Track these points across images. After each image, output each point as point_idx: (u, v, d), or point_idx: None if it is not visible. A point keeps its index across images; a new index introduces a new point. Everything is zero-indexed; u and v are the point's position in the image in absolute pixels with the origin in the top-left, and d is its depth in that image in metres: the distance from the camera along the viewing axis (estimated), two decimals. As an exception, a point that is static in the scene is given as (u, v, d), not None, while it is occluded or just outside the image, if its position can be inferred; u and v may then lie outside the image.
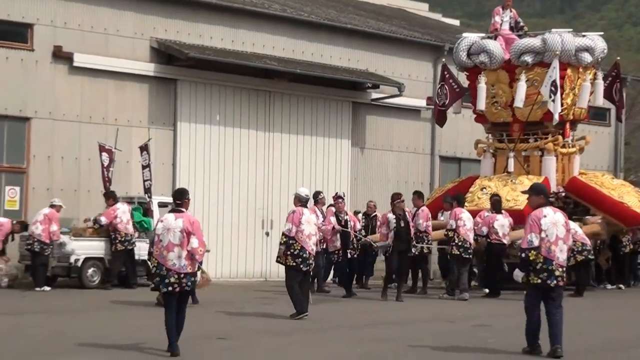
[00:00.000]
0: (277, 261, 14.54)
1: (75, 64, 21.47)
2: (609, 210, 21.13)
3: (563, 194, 21.09)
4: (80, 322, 13.46)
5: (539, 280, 10.32)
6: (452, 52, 23.00)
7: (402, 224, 17.34)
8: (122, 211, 19.19)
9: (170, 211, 10.40)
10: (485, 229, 18.88)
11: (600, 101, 22.62)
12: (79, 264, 18.96)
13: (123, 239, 18.97)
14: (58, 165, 21.34)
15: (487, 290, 19.08)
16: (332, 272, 20.78)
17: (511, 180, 20.82)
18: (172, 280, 10.04)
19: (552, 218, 10.44)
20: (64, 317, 14.16)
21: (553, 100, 20.25)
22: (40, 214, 18.67)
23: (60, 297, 17.36)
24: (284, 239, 14.16)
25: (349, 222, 18.64)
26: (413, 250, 18.08)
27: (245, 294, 18.84)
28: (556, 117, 20.49)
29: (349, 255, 18.52)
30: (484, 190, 20.54)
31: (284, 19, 24.80)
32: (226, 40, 23.82)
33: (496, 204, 18.97)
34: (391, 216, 17.35)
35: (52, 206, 18.85)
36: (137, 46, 22.45)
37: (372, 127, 26.52)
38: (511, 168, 21.49)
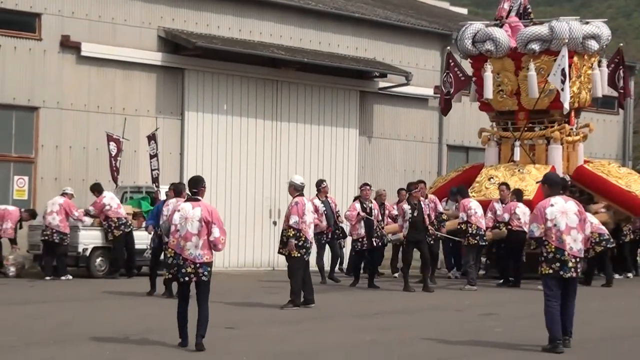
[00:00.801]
0: (280, 252, 14.40)
1: (83, 54, 21.49)
2: (617, 199, 21.05)
3: (569, 183, 21.01)
4: (87, 312, 13.51)
5: (551, 271, 10.07)
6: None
7: (417, 214, 17.06)
8: (110, 197, 19.17)
9: (187, 200, 10.21)
10: (507, 216, 18.67)
11: (605, 89, 22.49)
12: (87, 253, 19.02)
13: (117, 224, 18.93)
14: (66, 155, 21.39)
15: (500, 281, 18.94)
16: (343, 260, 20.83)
17: (519, 170, 20.72)
18: (189, 270, 9.84)
19: (562, 207, 10.13)
20: (72, 306, 14.21)
21: (562, 89, 20.15)
22: (55, 203, 18.64)
23: (68, 286, 17.42)
24: (293, 232, 14.05)
25: (373, 210, 18.15)
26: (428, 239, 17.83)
27: (252, 284, 18.87)
28: (566, 105, 20.41)
29: (374, 244, 17.96)
30: (492, 179, 20.44)
31: (291, 8, 24.76)
32: (233, 29, 23.81)
33: (518, 194, 18.92)
34: (407, 207, 17.13)
35: (64, 194, 18.89)
36: (145, 35, 22.45)
37: (380, 116, 26.51)
38: (517, 157, 21.35)
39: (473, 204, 18.17)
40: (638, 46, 50.36)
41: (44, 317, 12.73)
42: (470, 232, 17.91)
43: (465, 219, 17.97)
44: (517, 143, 21.46)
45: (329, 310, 14.18)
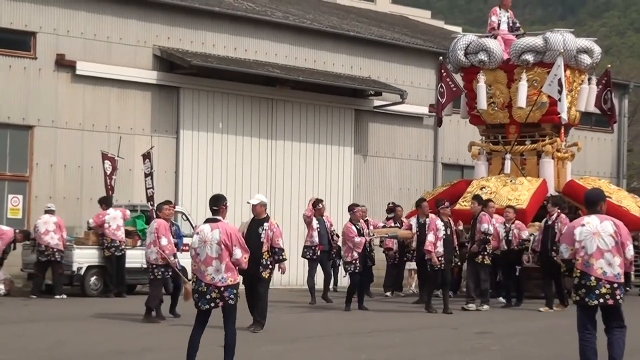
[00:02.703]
0: (268, 275, 13.90)
1: (78, 72, 21.52)
2: (609, 214, 20.82)
3: (559, 198, 20.93)
4: (82, 331, 13.45)
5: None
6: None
7: (449, 232, 16.63)
8: (112, 217, 19.16)
9: (206, 221, 9.65)
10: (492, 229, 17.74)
11: (591, 107, 22.39)
12: (82, 272, 18.96)
13: (110, 245, 18.91)
14: (61, 174, 21.37)
15: (504, 300, 18.42)
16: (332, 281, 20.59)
17: (510, 180, 20.57)
18: (214, 295, 9.34)
19: (594, 227, 9.01)
20: (67, 325, 14.15)
21: (559, 99, 20.05)
22: (49, 222, 18.61)
23: (63, 305, 17.35)
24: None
25: (363, 230, 17.92)
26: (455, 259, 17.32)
27: (246, 302, 18.76)
28: (564, 116, 20.36)
29: (366, 265, 17.65)
30: (484, 189, 20.22)
31: (287, 27, 24.84)
32: (229, 47, 23.86)
33: (479, 199, 18.19)
34: (440, 223, 16.53)
35: (50, 212, 18.85)
36: (140, 54, 22.49)
37: (375, 134, 26.54)
38: (507, 170, 21.20)
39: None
40: (631, 65, 50.57)
41: (39, 336, 12.67)
42: (487, 250, 17.34)
43: (491, 231, 17.30)
44: (508, 156, 21.33)
45: (323, 329, 14.14)
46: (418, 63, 27.42)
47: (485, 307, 17.17)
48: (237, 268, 9.53)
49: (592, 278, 8.88)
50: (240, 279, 9.71)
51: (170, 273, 14.75)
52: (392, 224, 20.35)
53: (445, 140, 27.45)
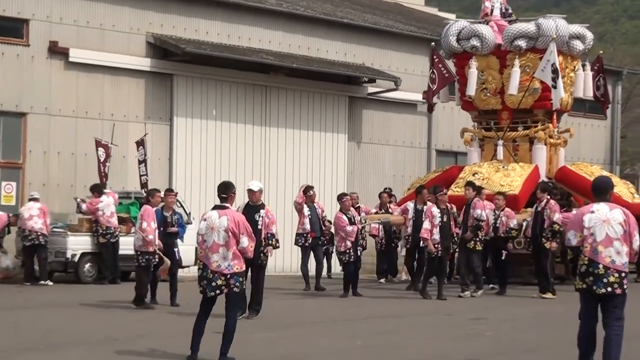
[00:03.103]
0: (261, 262, 13.75)
1: (71, 59, 21.46)
2: None
3: (551, 185, 20.87)
4: (77, 317, 13.46)
5: (584, 285, 8.81)
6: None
7: (445, 219, 16.53)
8: (106, 204, 19.15)
9: (214, 207, 9.65)
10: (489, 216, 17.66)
11: (589, 92, 22.36)
12: (76, 259, 18.96)
13: (104, 232, 18.89)
14: (54, 161, 21.34)
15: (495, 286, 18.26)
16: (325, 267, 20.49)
17: (503, 166, 20.51)
18: (220, 282, 9.32)
19: (604, 215, 8.86)
20: (61, 312, 14.16)
21: (555, 86, 19.98)
22: (33, 208, 18.62)
23: (57, 292, 17.36)
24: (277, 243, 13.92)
25: (354, 219, 17.82)
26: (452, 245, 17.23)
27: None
28: (556, 103, 20.36)
29: (358, 253, 17.25)
30: (476, 175, 20.09)
31: (280, 14, 24.79)
32: (222, 35, 23.82)
33: (473, 185, 18.25)
34: (436, 210, 16.47)
35: (34, 199, 18.84)
36: (133, 41, 22.43)
37: (369, 121, 26.54)
38: (500, 156, 21.12)
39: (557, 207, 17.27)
40: (625, 51, 50.55)
41: (34, 323, 12.68)
42: (480, 237, 17.17)
43: (484, 217, 17.18)
44: (500, 142, 21.25)
45: (317, 316, 14.17)
46: (412, 50, 27.39)
47: (479, 292, 17.20)
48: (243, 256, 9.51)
49: (601, 266, 8.71)
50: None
51: (156, 260, 14.66)
52: (378, 211, 20.27)
53: (439, 127, 27.45)
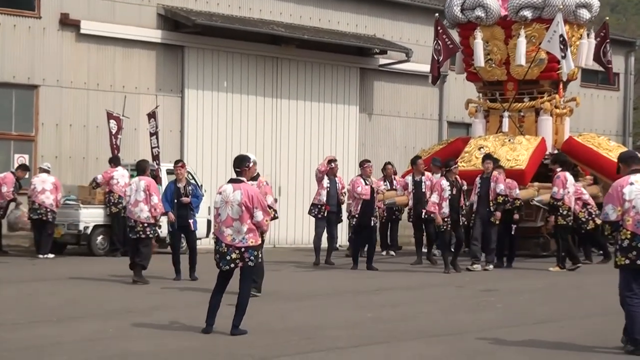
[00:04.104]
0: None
1: (82, 32, 21.45)
2: (607, 172, 20.18)
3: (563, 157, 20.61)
4: (90, 290, 13.55)
5: (627, 261, 8.51)
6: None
7: (454, 192, 16.36)
8: (120, 174, 19.21)
9: (229, 181, 9.63)
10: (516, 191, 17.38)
11: (590, 61, 22.09)
12: (88, 231, 19.05)
13: (117, 201, 18.88)
14: (66, 133, 21.39)
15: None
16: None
17: (509, 140, 20.27)
18: (234, 256, 9.37)
19: None
20: (74, 284, 14.25)
21: (564, 57, 19.81)
22: (47, 182, 18.61)
23: (70, 264, 17.46)
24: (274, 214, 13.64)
25: (372, 186, 17.63)
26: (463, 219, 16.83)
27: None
28: (566, 73, 20.18)
29: (372, 223, 17.07)
30: (482, 149, 19.80)
31: (291, -15, 24.67)
32: (233, 6, 23.75)
33: (495, 160, 17.86)
34: (445, 183, 16.31)
35: (46, 171, 18.84)
36: (144, 13, 22.39)
37: (380, 93, 26.48)
38: (505, 128, 20.92)
39: (570, 182, 17.02)
40: (638, 22, 50.21)
41: (47, 295, 12.78)
42: (560, 211, 16.90)
43: (562, 195, 16.86)
44: (506, 114, 21.05)
45: (330, 288, 14.23)
46: (423, 21, 27.23)
47: (491, 266, 17.19)
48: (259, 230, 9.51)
49: None
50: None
51: (158, 233, 14.56)
52: (382, 183, 19.91)
53: (451, 98, 27.36)
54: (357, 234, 17.32)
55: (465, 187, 17.04)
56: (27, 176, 19.32)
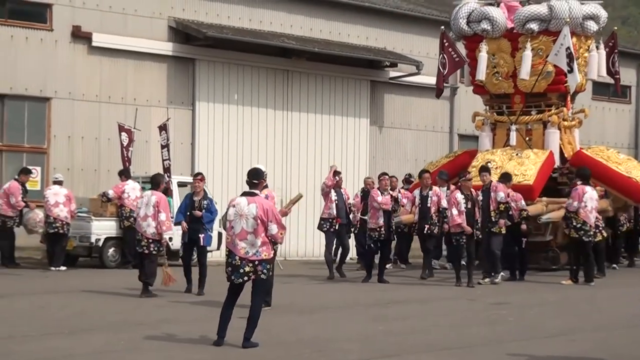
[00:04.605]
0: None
1: (94, 44, 21.54)
2: (617, 185, 20.23)
3: (567, 170, 20.52)
4: (101, 302, 13.57)
5: None
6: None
7: (469, 205, 16.34)
8: (131, 187, 19.26)
9: (243, 194, 9.59)
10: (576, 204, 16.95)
11: (603, 72, 21.98)
12: (100, 244, 19.09)
13: (129, 215, 18.90)
14: (78, 145, 21.47)
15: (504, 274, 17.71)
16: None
17: (516, 154, 20.12)
18: (247, 269, 9.35)
19: None
20: (86, 296, 14.28)
21: (571, 70, 19.70)
22: (60, 194, 18.67)
23: (82, 277, 17.50)
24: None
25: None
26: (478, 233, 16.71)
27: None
28: (573, 87, 20.07)
29: (389, 236, 17.05)
30: (489, 164, 19.68)
31: (302, -2, 24.75)
32: (244, 19, 23.83)
33: (507, 177, 17.79)
34: (460, 196, 16.30)
35: (58, 182, 18.91)
36: (156, 26, 22.48)
37: (390, 105, 26.49)
38: (513, 142, 20.79)
39: (587, 195, 16.78)
40: (650, 35, 50.09)
41: (59, 308, 12.81)
42: (574, 224, 16.79)
43: (577, 207, 16.72)
44: (514, 127, 20.89)
45: (341, 301, 14.22)
46: (434, 34, 27.08)
47: (498, 277, 17.04)
48: (272, 243, 9.51)
49: None
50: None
51: (162, 249, 14.55)
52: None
53: (461, 111, 27.35)
54: (375, 245, 17.23)
55: (480, 198, 16.96)
56: (33, 179, 19.30)
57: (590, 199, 16.90)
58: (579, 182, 17.25)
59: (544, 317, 12.58)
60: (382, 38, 26.31)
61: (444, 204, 17.68)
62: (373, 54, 25.55)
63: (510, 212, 17.21)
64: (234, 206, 9.55)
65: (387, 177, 17.51)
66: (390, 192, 17.19)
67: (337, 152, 25.14)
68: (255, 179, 9.67)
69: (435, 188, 18.23)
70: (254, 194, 9.57)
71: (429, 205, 17.98)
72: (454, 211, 16.31)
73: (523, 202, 17.65)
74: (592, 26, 20.93)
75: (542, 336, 10.79)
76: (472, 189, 16.73)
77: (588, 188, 17.07)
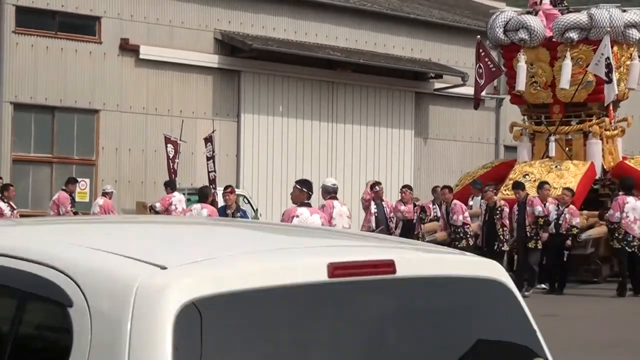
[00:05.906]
0: None
1: (141, 57, 21.78)
2: None
3: (609, 182, 20.18)
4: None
5: None
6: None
7: (487, 217, 16.22)
8: (178, 199, 19.30)
9: (302, 204, 9.84)
10: (618, 215, 16.65)
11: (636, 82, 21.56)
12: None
13: None
14: (125, 157, 21.68)
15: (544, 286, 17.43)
16: None
17: (556, 166, 19.66)
18: None
19: None
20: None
21: (609, 81, 19.39)
22: (95, 205, 18.92)
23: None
24: None
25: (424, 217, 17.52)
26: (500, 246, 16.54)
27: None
28: (610, 98, 19.65)
29: None
30: (527, 177, 19.20)
31: (347, 9, 24.81)
32: (289, 31, 23.93)
33: (519, 185, 17.65)
34: (474, 203, 16.46)
35: (105, 194, 19.10)
36: (202, 38, 22.67)
37: (435, 117, 26.42)
38: (552, 153, 20.23)
39: (628, 206, 16.40)
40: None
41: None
42: (616, 235, 16.56)
43: (618, 218, 16.46)
44: (553, 138, 20.35)
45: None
46: (479, 45, 27.17)
47: (530, 291, 16.63)
48: None
49: None
50: None
51: None
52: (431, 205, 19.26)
53: (507, 122, 27.13)
54: None
55: (507, 210, 16.68)
56: (82, 191, 19.49)
57: (632, 209, 16.57)
58: (621, 193, 17.01)
59: (593, 328, 12.43)
60: (427, 49, 26.27)
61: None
62: (418, 65, 25.53)
63: (551, 225, 16.99)
64: (297, 217, 9.74)
65: (406, 190, 17.63)
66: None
67: (381, 163, 25.12)
68: (312, 190, 10.14)
69: (456, 201, 17.58)
70: (310, 205, 9.88)
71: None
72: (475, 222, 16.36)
73: (578, 220, 17.36)
74: (635, 34, 20.54)
75: (592, 348, 10.65)
76: (500, 201, 16.51)
77: (630, 198, 16.72)
